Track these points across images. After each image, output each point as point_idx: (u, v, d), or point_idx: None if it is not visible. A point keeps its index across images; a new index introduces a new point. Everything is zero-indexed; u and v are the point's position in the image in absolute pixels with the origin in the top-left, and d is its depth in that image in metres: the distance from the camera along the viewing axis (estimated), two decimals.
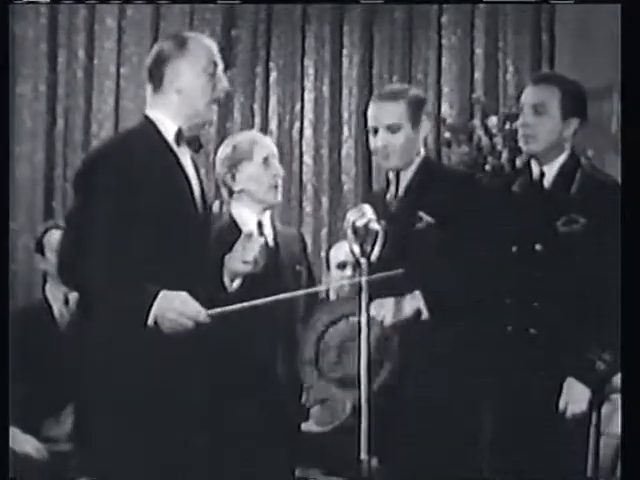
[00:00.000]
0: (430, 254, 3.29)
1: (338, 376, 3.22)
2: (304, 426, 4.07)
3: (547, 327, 3.23)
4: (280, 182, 3.71)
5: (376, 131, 3.44)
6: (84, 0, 5.92)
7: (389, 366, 3.19)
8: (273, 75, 6.28)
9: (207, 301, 2.93)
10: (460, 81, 6.14)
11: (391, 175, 3.46)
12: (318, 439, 4.05)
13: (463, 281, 3.24)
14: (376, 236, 2.96)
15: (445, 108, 6.10)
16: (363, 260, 2.95)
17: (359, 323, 2.91)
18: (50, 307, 4.36)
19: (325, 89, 6.28)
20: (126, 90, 5.99)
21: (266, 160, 3.67)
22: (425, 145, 3.52)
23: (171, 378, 2.90)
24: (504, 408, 3.28)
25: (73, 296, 4.19)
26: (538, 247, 3.28)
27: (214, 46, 3.11)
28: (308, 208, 6.25)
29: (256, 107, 6.26)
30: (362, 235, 2.97)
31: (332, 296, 4.62)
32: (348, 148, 6.25)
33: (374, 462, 3.04)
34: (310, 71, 6.29)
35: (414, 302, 3.24)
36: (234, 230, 3.54)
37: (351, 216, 3.02)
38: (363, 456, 2.85)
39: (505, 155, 5.52)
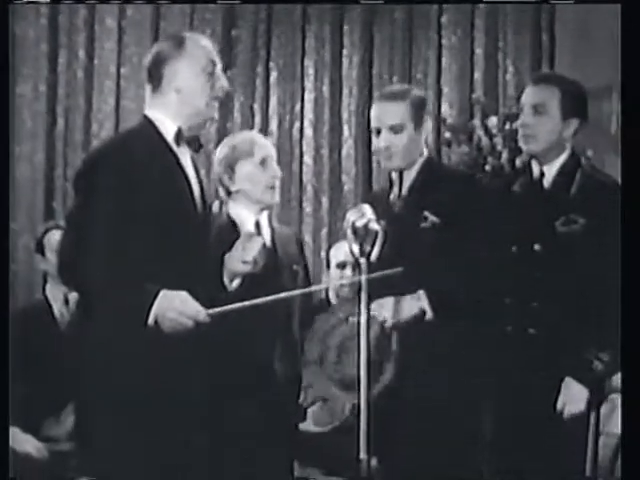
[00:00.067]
0: (434, 254, 3.30)
1: (339, 376, 3.23)
2: (303, 426, 4.07)
3: (546, 327, 3.23)
4: (278, 183, 3.70)
5: (379, 132, 3.44)
6: (84, 0, 5.92)
7: (391, 367, 3.20)
8: (273, 75, 6.28)
9: (207, 301, 2.94)
10: (460, 81, 6.14)
11: (394, 175, 3.46)
12: (317, 439, 4.04)
13: (466, 281, 3.25)
14: (376, 236, 2.97)
15: (445, 108, 6.10)
16: (363, 260, 2.95)
17: (358, 323, 2.91)
18: (50, 307, 4.36)
19: (325, 89, 6.28)
20: (126, 90, 6.00)
21: (264, 161, 3.66)
22: (426, 145, 3.53)
23: (171, 378, 2.90)
24: (503, 408, 3.28)
25: (73, 296, 4.20)
26: (537, 247, 3.28)
27: (212, 45, 3.12)
28: (308, 208, 6.25)
29: (256, 107, 6.26)
30: (362, 235, 2.97)
31: (332, 296, 4.63)
32: (348, 148, 6.26)
33: (374, 462, 3.04)
34: (310, 71, 6.29)
35: (418, 302, 3.24)
36: (232, 230, 3.54)
37: (351, 216, 3.02)
38: (362, 456, 2.85)
39: (505, 155, 5.52)
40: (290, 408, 3.68)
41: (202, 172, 3.23)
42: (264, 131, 6.04)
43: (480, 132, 5.69)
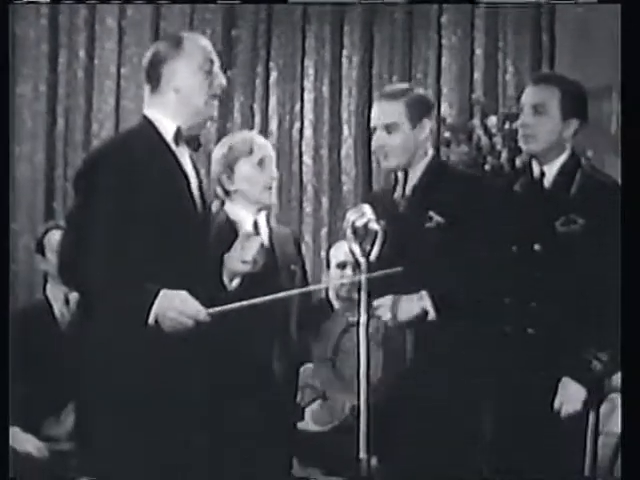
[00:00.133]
0: (438, 254, 3.30)
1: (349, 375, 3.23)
2: (303, 425, 4.08)
3: (546, 327, 3.23)
4: (275, 184, 3.70)
5: (376, 130, 3.45)
6: (84, 0, 5.93)
7: (393, 367, 3.21)
8: (273, 75, 6.28)
9: (207, 300, 2.94)
10: (460, 81, 6.14)
11: (399, 174, 3.46)
12: (317, 438, 4.05)
13: (467, 281, 3.25)
14: (375, 236, 2.97)
15: (445, 108, 6.10)
16: (362, 260, 2.96)
17: (358, 323, 2.91)
18: (51, 307, 4.37)
19: (325, 89, 6.28)
20: (126, 90, 6.00)
21: (262, 161, 3.66)
22: (431, 145, 3.53)
23: (171, 378, 2.91)
24: (503, 408, 3.28)
25: (73, 296, 4.20)
26: (537, 247, 3.29)
27: (209, 44, 3.12)
28: (308, 208, 6.25)
29: (256, 107, 6.26)
30: (362, 235, 2.97)
31: (332, 296, 4.63)
32: (348, 148, 6.26)
33: (373, 461, 3.05)
34: (310, 71, 6.29)
35: (420, 302, 3.24)
36: (231, 230, 3.55)
37: (351, 216, 3.02)
38: (362, 455, 2.86)
39: (504, 155, 5.52)
40: (288, 407, 3.69)
41: (202, 172, 3.24)
42: (264, 131, 6.05)
43: (480, 132, 5.69)
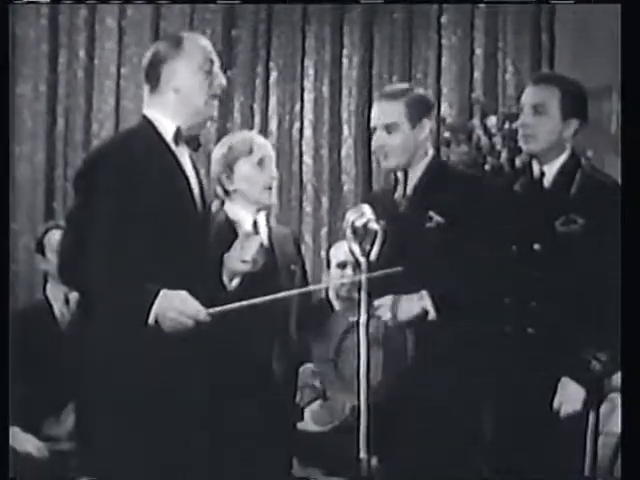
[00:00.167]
0: (438, 254, 3.30)
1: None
2: (303, 425, 4.08)
3: (545, 327, 3.23)
4: (275, 184, 3.70)
5: (376, 130, 3.45)
6: (84, 0, 5.93)
7: (393, 367, 3.21)
8: (273, 75, 6.28)
9: (206, 300, 2.94)
10: (460, 81, 6.14)
11: (399, 174, 3.46)
12: (318, 439, 4.06)
13: (467, 281, 3.25)
14: (375, 236, 2.97)
15: (445, 108, 6.10)
16: (362, 259, 2.96)
17: (358, 322, 2.92)
18: (51, 307, 4.37)
19: (325, 89, 6.28)
20: (126, 90, 6.00)
21: (261, 161, 3.65)
22: (432, 145, 3.53)
23: (171, 378, 2.91)
24: (503, 408, 3.29)
25: (74, 296, 4.20)
26: (537, 247, 3.29)
27: (209, 44, 3.12)
28: (308, 208, 6.25)
29: (256, 107, 6.27)
30: (361, 235, 2.98)
31: (332, 295, 4.63)
32: (348, 148, 6.26)
33: (374, 461, 3.05)
34: (310, 71, 6.29)
35: (421, 302, 3.24)
36: (230, 229, 3.55)
37: (350, 216, 3.02)
38: (363, 455, 2.86)
39: (504, 155, 5.52)
40: (288, 408, 3.69)
41: (202, 172, 3.24)
42: (264, 131, 6.05)
43: (479, 132, 5.69)
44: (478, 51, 6.16)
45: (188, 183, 3.05)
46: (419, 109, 3.42)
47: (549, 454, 3.17)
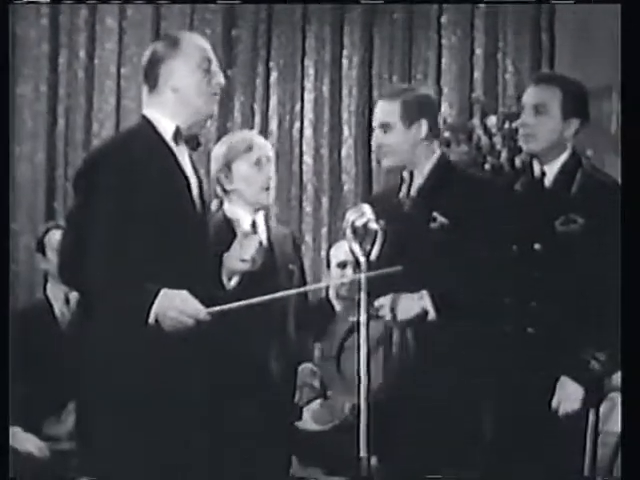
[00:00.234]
0: (440, 254, 3.29)
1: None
2: (303, 425, 4.08)
3: (545, 327, 3.23)
4: (272, 184, 3.69)
5: (375, 130, 3.46)
6: (85, 0, 5.93)
7: (393, 366, 3.21)
8: (273, 75, 6.29)
9: (206, 299, 2.94)
10: (460, 81, 6.15)
11: (405, 174, 3.45)
12: (318, 438, 4.06)
13: (469, 281, 3.25)
14: (375, 235, 2.97)
15: (445, 108, 6.11)
16: (362, 259, 2.96)
17: (358, 322, 2.92)
18: (51, 307, 4.37)
19: (325, 89, 6.29)
20: (127, 90, 6.00)
21: (259, 161, 3.65)
22: (439, 145, 3.51)
23: (171, 377, 2.91)
24: (503, 408, 3.29)
25: (74, 296, 4.20)
26: (537, 246, 3.29)
27: (206, 43, 3.12)
28: (308, 208, 6.25)
29: (256, 107, 6.27)
30: (361, 235, 2.98)
31: (332, 295, 4.63)
32: (348, 148, 6.26)
33: (374, 461, 3.05)
34: (310, 71, 6.29)
35: (420, 302, 3.24)
36: (229, 229, 3.55)
37: (350, 216, 3.03)
38: (363, 455, 2.86)
39: (504, 154, 5.52)
40: (287, 407, 3.69)
41: (201, 171, 3.24)
42: (264, 131, 6.05)
43: (479, 132, 5.70)
44: (478, 51, 6.16)
45: (187, 183, 3.05)
46: (416, 109, 3.40)
47: (549, 454, 3.17)
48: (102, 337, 2.92)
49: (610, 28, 4.69)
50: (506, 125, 5.53)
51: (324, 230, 6.22)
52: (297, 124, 6.28)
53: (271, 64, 6.29)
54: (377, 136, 3.45)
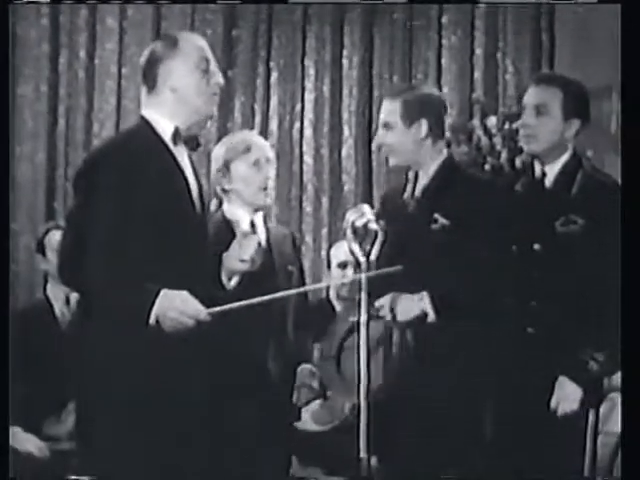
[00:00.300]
0: (439, 255, 3.29)
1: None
2: (303, 425, 4.08)
3: (545, 327, 3.23)
4: (271, 185, 3.69)
5: (378, 128, 3.47)
6: (85, 0, 5.93)
7: (393, 366, 3.21)
8: (274, 75, 6.29)
9: (205, 299, 2.94)
10: (460, 81, 6.14)
11: (410, 174, 3.45)
12: (318, 438, 4.06)
13: (469, 281, 3.25)
14: (375, 236, 2.97)
15: None
16: (363, 259, 2.96)
17: (358, 322, 2.92)
18: (51, 307, 4.37)
19: (325, 89, 6.28)
20: (127, 90, 6.00)
21: (257, 162, 3.65)
22: (447, 145, 3.51)
23: (171, 377, 2.91)
24: (503, 408, 3.29)
25: (74, 296, 4.20)
26: (537, 247, 3.29)
27: (205, 43, 3.12)
28: (308, 208, 6.25)
29: (256, 107, 6.27)
30: (361, 235, 2.98)
31: (332, 295, 4.63)
32: (348, 148, 6.26)
33: (373, 461, 3.05)
34: (311, 71, 6.29)
35: (420, 303, 3.24)
36: (229, 229, 3.55)
37: (350, 216, 3.03)
38: (363, 455, 2.86)
39: (504, 155, 5.52)
40: (286, 408, 3.70)
41: (201, 171, 3.24)
42: (264, 131, 6.06)
43: (479, 132, 5.70)
44: (478, 51, 6.15)
45: (187, 183, 3.05)
46: (417, 108, 3.39)
47: (549, 454, 3.17)
48: (102, 337, 2.92)
49: (610, 28, 4.68)
50: (506, 125, 5.53)
51: (324, 230, 6.22)
52: (297, 124, 6.28)
53: (271, 64, 6.29)
54: (379, 135, 3.45)
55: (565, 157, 3.36)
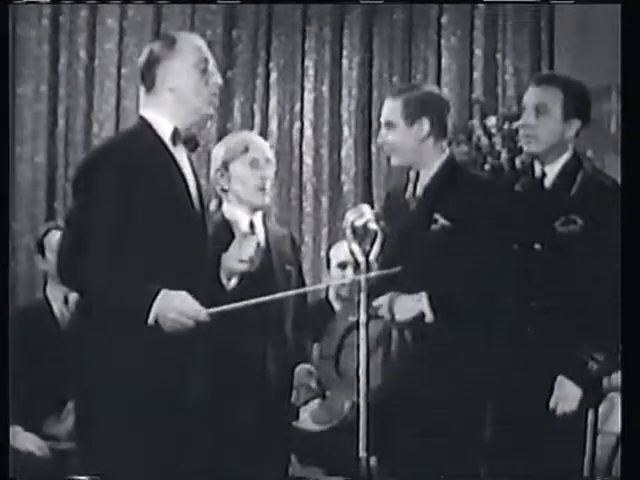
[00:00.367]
0: (439, 255, 3.29)
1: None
2: (303, 424, 4.08)
3: (545, 327, 3.23)
4: (269, 185, 3.68)
5: (381, 128, 3.47)
6: (85, 1, 5.93)
7: (392, 366, 3.21)
8: (273, 75, 6.29)
9: (205, 300, 2.94)
10: (459, 81, 6.15)
11: (412, 173, 3.45)
12: (317, 438, 4.05)
13: (469, 281, 3.24)
14: (375, 236, 2.97)
15: None
16: (362, 260, 2.96)
17: (358, 322, 2.92)
18: (51, 307, 4.36)
19: (325, 89, 6.29)
20: (127, 90, 6.01)
21: (255, 162, 3.65)
22: (449, 145, 3.50)
23: (171, 377, 2.91)
24: (503, 407, 3.29)
25: (73, 296, 4.19)
26: (537, 247, 3.29)
27: (203, 43, 3.12)
28: (308, 208, 6.26)
29: (256, 107, 6.28)
30: (361, 235, 2.98)
31: (332, 295, 4.63)
32: (348, 148, 6.26)
33: (373, 461, 3.05)
34: (310, 71, 6.30)
35: (419, 303, 3.23)
36: (228, 229, 3.55)
37: (350, 216, 3.03)
38: (362, 455, 2.86)
39: (504, 155, 5.53)
40: (285, 407, 3.70)
41: (201, 171, 3.24)
42: (264, 131, 6.06)
43: (479, 132, 5.70)
44: (478, 51, 6.16)
45: (186, 183, 3.05)
46: (418, 107, 3.38)
47: (548, 453, 3.17)
48: (101, 337, 2.92)
49: (610, 28, 4.69)
50: (506, 126, 5.54)
51: (324, 230, 6.23)
52: (297, 124, 6.28)
53: (271, 64, 6.29)
54: (381, 134, 3.45)
55: (565, 157, 3.36)
